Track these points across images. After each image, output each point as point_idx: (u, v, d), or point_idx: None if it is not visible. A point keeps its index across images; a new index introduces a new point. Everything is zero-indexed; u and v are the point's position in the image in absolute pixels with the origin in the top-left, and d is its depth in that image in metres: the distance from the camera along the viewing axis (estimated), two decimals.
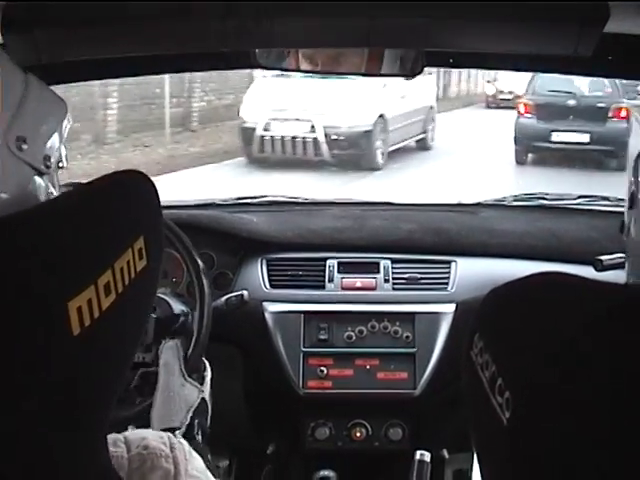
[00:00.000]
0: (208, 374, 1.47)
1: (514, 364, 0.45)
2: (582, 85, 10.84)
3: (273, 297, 2.00)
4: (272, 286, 2.03)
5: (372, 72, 1.25)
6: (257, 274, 2.05)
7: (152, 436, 0.70)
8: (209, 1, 0.95)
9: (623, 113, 10.76)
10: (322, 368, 1.93)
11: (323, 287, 2.04)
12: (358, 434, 1.96)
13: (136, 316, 0.63)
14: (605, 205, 2.30)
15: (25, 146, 0.61)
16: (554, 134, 10.70)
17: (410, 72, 1.24)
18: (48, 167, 0.65)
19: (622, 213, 1.33)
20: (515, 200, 2.39)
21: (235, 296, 1.83)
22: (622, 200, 2.39)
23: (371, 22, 0.95)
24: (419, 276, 2.04)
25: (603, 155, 10.70)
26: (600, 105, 10.78)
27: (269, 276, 2.05)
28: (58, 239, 0.51)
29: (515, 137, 10.93)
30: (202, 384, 1.43)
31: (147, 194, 0.64)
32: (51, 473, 0.53)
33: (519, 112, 11.19)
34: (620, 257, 1.50)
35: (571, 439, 0.39)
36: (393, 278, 2.04)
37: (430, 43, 1.04)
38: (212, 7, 0.95)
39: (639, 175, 1.21)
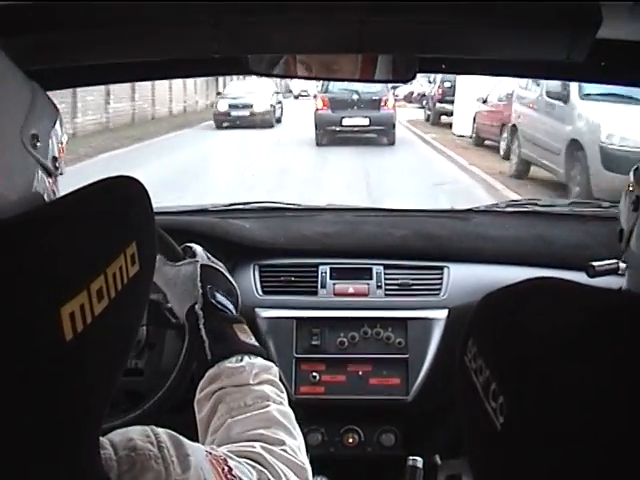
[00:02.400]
0: (196, 247, 1.42)
1: (508, 369, 0.45)
2: (361, 84, 13.72)
3: (265, 303, 2.00)
4: (264, 292, 2.03)
5: (365, 78, 1.25)
6: (249, 280, 2.04)
7: (137, 435, 0.69)
8: (201, 1, 0.95)
9: (390, 103, 15.48)
10: (314, 374, 1.92)
11: (315, 293, 2.04)
12: (350, 440, 1.95)
13: (129, 321, 0.62)
14: (597, 211, 2.31)
15: (39, 144, 0.61)
16: (344, 120, 15.17)
17: (403, 78, 1.24)
18: (56, 168, 0.65)
19: (614, 219, 1.33)
20: (507, 206, 2.40)
21: None
22: (614, 206, 2.40)
23: (364, 27, 0.95)
24: (411, 282, 2.04)
25: (378, 134, 15.39)
26: (374, 98, 15.24)
27: (261, 282, 2.05)
28: (50, 244, 0.51)
29: (315, 125, 15.47)
30: (194, 257, 1.38)
31: (139, 199, 0.64)
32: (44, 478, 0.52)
33: (317, 107, 15.61)
34: (613, 263, 1.50)
35: (566, 444, 0.39)
36: (385, 284, 2.04)
37: (423, 49, 1.04)
38: (204, 13, 0.95)
39: None
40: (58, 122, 0.68)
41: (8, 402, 0.48)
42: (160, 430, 0.72)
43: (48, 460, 0.52)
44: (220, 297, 1.32)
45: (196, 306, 1.28)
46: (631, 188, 1.22)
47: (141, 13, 0.95)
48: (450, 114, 18.17)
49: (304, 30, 0.99)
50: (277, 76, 1.28)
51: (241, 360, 1.17)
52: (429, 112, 20.75)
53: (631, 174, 1.24)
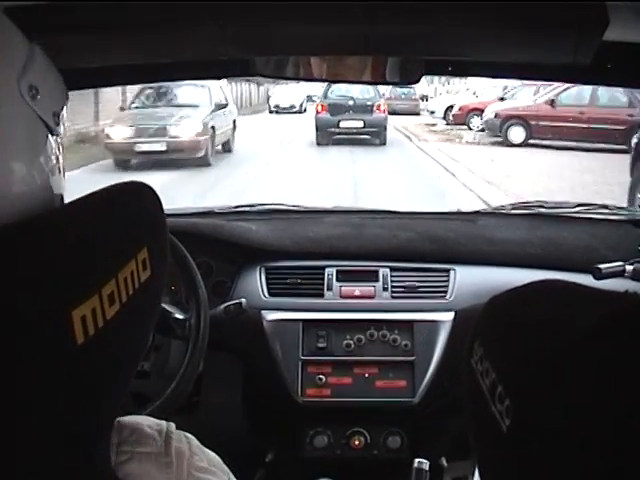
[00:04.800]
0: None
1: (514, 372, 0.45)
2: (356, 91, 16.87)
3: (272, 305, 2.00)
4: (271, 294, 2.03)
5: (371, 80, 1.25)
6: (256, 282, 2.04)
7: (147, 422, 0.67)
8: (206, 1, 0.95)
9: (382, 107, 17.02)
10: (321, 376, 1.92)
11: (322, 295, 2.04)
12: (357, 442, 1.95)
13: (140, 326, 0.62)
14: (604, 213, 2.30)
15: (38, 96, 0.60)
16: (341, 122, 16.73)
17: (409, 80, 1.24)
18: (57, 124, 0.64)
19: (621, 221, 1.33)
20: (514, 208, 2.39)
21: (233, 304, 1.83)
22: (621, 209, 2.40)
23: (370, 29, 0.95)
24: (418, 284, 2.04)
25: (371, 135, 16.87)
26: (368, 103, 16.90)
27: (268, 284, 2.05)
28: (62, 249, 0.51)
29: (316, 127, 16.95)
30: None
31: (151, 205, 0.64)
32: None
33: (317, 111, 17.17)
34: (619, 265, 1.50)
35: (572, 446, 0.39)
36: (392, 286, 2.04)
37: (429, 51, 1.04)
38: (210, 14, 0.95)
39: None
40: (62, 83, 0.67)
41: (19, 403, 0.48)
42: (186, 434, 0.70)
43: (57, 466, 0.52)
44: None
45: None
46: None
47: (146, 15, 0.95)
48: None
49: (310, 32, 0.99)
50: (283, 78, 1.28)
51: None
52: None
53: None
